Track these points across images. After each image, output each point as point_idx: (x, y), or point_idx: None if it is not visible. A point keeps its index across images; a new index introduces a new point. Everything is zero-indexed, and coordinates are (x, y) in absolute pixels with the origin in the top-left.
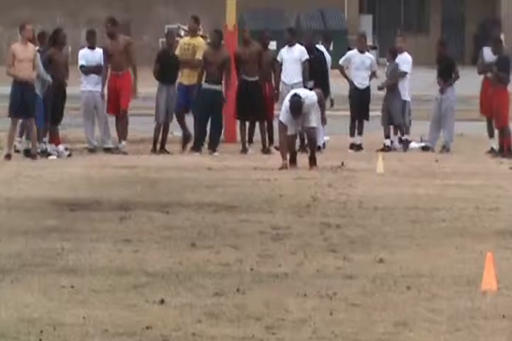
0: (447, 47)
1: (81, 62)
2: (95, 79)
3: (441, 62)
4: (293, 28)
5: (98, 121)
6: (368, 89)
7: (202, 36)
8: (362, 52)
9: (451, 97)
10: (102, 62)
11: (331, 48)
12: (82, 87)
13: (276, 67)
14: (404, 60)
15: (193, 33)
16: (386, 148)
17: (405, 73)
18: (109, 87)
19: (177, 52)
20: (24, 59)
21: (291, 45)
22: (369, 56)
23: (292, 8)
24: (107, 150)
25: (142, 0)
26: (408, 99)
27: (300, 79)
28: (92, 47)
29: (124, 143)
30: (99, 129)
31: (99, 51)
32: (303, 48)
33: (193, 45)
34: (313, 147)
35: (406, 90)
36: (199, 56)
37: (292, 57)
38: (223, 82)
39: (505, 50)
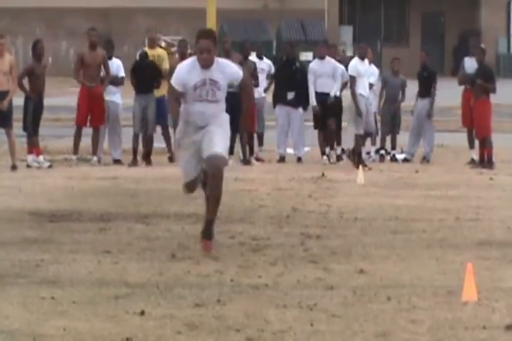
0: (428, 57)
1: None
2: (112, 89)
3: (421, 74)
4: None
5: (108, 130)
6: (338, 99)
7: (161, 47)
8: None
9: (428, 108)
10: (120, 73)
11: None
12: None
13: (353, 82)
14: (372, 72)
15: (152, 44)
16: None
17: (371, 85)
18: (83, 98)
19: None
20: None
21: (363, 58)
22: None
23: (273, 19)
24: (116, 161)
25: (122, 11)
26: (375, 109)
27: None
28: (109, 57)
29: (95, 158)
30: (108, 139)
31: (116, 61)
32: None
33: (157, 56)
34: (214, 211)
35: (373, 101)
36: (166, 66)
37: (366, 71)
38: None
39: (485, 60)
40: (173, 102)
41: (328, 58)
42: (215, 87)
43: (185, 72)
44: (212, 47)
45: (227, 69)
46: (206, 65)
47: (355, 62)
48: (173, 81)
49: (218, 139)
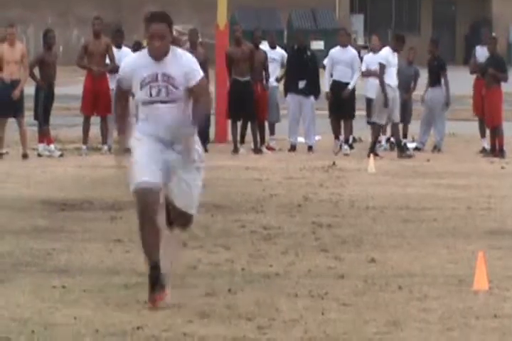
0: (439, 47)
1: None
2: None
3: (431, 63)
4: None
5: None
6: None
7: None
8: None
9: (440, 97)
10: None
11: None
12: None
13: (382, 69)
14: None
15: None
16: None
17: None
18: (87, 86)
19: None
20: (10, 60)
21: (396, 50)
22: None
23: (284, 7)
24: (127, 150)
25: (133, 0)
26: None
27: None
28: (118, 46)
29: (105, 147)
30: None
31: (125, 50)
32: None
33: None
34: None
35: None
36: None
37: (395, 62)
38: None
39: (497, 49)
40: (119, 106)
41: (350, 47)
42: (168, 84)
43: (133, 64)
44: (167, 33)
45: (185, 63)
46: (158, 54)
47: (387, 51)
48: (119, 76)
49: (194, 195)
